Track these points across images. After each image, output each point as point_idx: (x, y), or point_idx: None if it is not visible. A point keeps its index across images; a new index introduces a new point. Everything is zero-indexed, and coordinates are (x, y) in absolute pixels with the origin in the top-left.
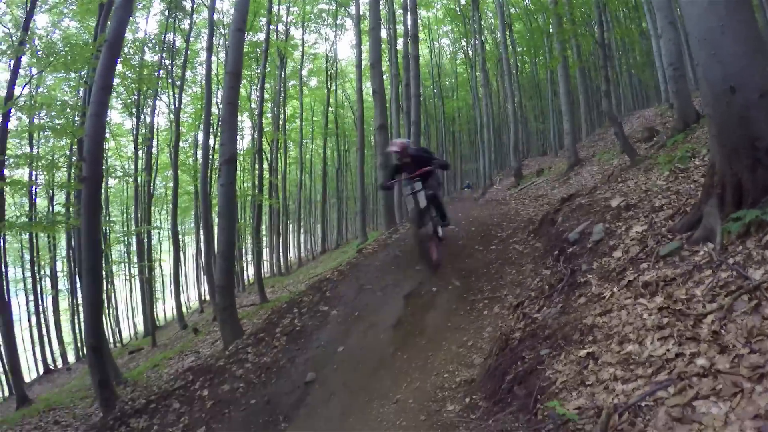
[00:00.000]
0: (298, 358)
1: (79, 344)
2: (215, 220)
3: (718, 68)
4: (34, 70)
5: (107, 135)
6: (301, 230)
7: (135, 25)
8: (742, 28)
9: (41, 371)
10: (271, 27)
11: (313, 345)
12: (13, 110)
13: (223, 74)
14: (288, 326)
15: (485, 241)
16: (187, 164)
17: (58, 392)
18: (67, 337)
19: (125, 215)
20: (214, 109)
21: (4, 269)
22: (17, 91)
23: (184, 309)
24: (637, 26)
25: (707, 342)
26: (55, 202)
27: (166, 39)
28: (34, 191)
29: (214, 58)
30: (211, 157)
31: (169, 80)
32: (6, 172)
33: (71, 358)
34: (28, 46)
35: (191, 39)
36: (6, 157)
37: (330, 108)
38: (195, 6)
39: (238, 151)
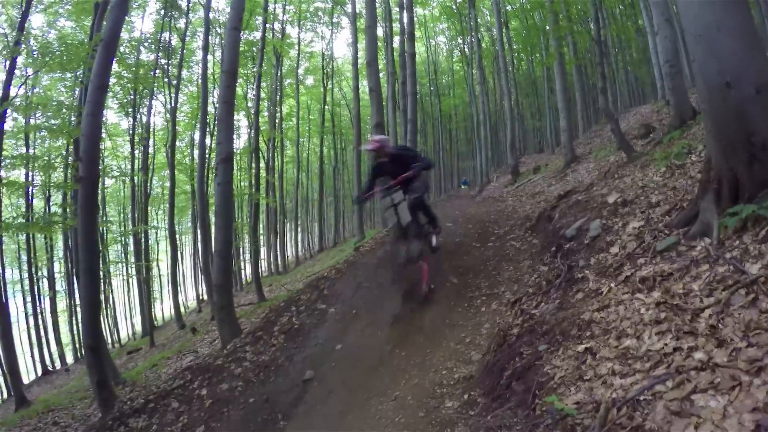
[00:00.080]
0: (297, 356)
1: (77, 345)
2: (212, 219)
3: (714, 64)
4: (30, 71)
5: (103, 135)
6: (299, 229)
7: (131, 24)
8: (738, 24)
9: (39, 372)
10: (267, 25)
11: (311, 343)
12: (9, 111)
13: (219, 73)
14: (286, 325)
15: (482, 238)
16: (184, 164)
17: (56, 393)
18: (65, 338)
19: (122, 215)
20: (210, 108)
21: (1, 271)
22: (13, 91)
23: (182, 309)
24: (633, 23)
25: (705, 336)
26: (51, 203)
27: (162, 38)
28: (30, 192)
29: (210, 57)
30: (207, 156)
31: (165, 79)
32: (2, 173)
33: (69, 359)
34: (23, 46)
35: (187, 38)
36: (2, 158)
37: (326, 106)
38: (191, 5)
39: (234, 150)
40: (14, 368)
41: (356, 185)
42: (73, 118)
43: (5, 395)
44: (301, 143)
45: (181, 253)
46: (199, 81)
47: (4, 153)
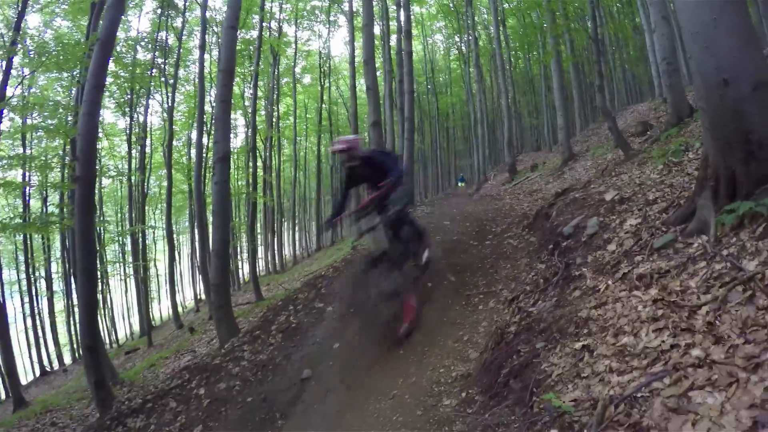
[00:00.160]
0: (294, 355)
1: (75, 346)
2: (210, 218)
3: (711, 62)
4: (27, 71)
5: (100, 134)
6: (296, 228)
7: (127, 23)
8: (735, 22)
9: (37, 373)
10: (264, 24)
11: (308, 342)
12: (5, 111)
13: (216, 72)
14: (284, 324)
15: (480, 237)
16: (181, 163)
17: (54, 394)
18: (63, 338)
19: (119, 215)
20: (207, 108)
21: None
22: (9, 91)
23: (179, 308)
24: (630, 21)
25: (702, 333)
26: (48, 203)
27: (159, 37)
28: (27, 192)
29: (207, 56)
30: (204, 155)
31: (162, 79)
32: None
33: (67, 359)
34: (20, 46)
35: (184, 37)
36: None
37: (324, 105)
38: (187, 4)
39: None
40: (12, 369)
41: None
42: (69, 118)
43: (3, 396)
44: (298, 142)
45: (179, 253)
46: (196, 80)
47: (0, 153)
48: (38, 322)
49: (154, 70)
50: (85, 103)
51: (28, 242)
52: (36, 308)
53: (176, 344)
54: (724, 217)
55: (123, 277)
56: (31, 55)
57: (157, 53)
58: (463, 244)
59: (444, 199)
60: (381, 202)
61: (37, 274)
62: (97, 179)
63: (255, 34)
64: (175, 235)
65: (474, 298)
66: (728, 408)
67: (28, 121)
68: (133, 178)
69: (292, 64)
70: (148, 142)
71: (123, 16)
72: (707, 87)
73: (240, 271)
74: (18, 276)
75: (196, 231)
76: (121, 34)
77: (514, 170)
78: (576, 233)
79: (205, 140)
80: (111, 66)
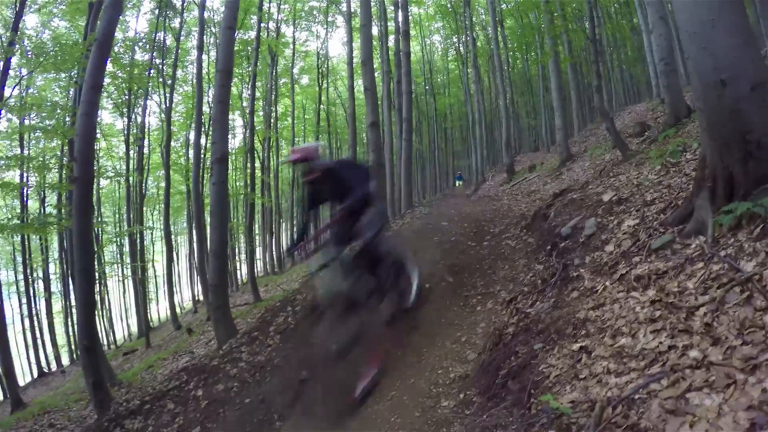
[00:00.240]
0: (292, 356)
1: (72, 347)
2: (208, 219)
3: (708, 61)
4: (24, 71)
5: (98, 135)
6: (295, 229)
7: (125, 24)
8: (733, 22)
9: (35, 374)
10: (262, 25)
11: (307, 343)
12: (3, 111)
13: (214, 73)
14: (282, 325)
15: (478, 237)
16: (179, 164)
17: (52, 395)
18: (61, 339)
19: (117, 216)
20: (205, 108)
21: None
22: (7, 92)
23: (177, 309)
24: (628, 22)
25: (700, 334)
26: (46, 204)
27: (157, 38)
28: (25, 193)
29: (204, 56)
30: (202, 156)
31: (160, 79)
32: None
33: (65, 360)
34: (17, 46)
35: (182, 37)
36: None
37: (321, 106)
38: (185, 4)
39: (230, 150)
40: (10, 370)
41: None
42: (67, 119)
43: (1, 397)
44: (296, 143)
45: (177, 254)
46: (194, 80)
47: None
48: (36, 323)
49: (152, 71)
50: (82, 104)
51: (26, 243)
52: (34, 309)
53: (174, 345)
54: (722, 217)
55: (121, 278)
56: (29, 56)
57: (155, 54)
58: (461, 244)
59: (442, 200)
60: (350, 220)
61: (35, 275)
62: (95, 180)
63: (253, 34)
64: (173, 236)
65: (472, 299)
66: (726, 410)
67: (26, 122)
68: (131, 178)
69: (290, 64)
70: (146, 142)
71: (121, 17)
72: (705, 87)
73: (238, 272)
74: (16, 277)
75: (194, 232)
76: (118, 35)
77: (512, 171)
78: (574, 234)
79: (203, 141)
80: (109, 66)
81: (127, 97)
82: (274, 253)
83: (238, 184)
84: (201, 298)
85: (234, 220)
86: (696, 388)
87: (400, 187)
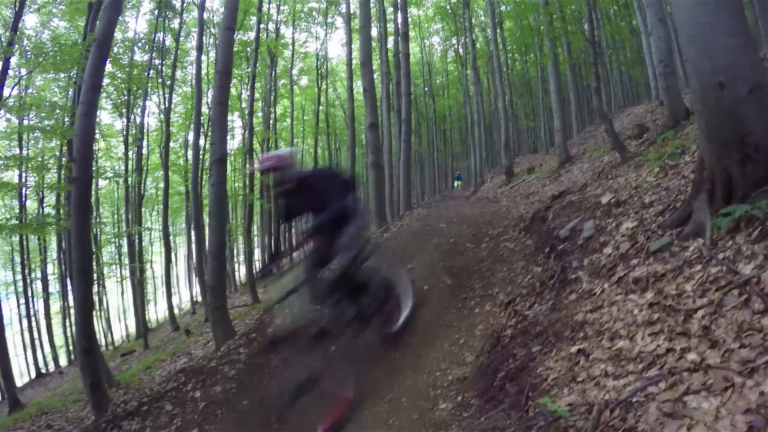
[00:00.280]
0: (290, 358)
1: (70, 347)
2: (206, 220)
3: (707, 64)
4: (24, 71)
5: (97, 135)
6: (293, 230)
7: (124, 24)
8: (732, 24)
9: (33, 375)
10: (262, 26)
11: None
12: (2, 111)
13: (214, 73)
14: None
15: (476, 239)
16: (178, 164)
17: (50, 396)
18: (59, 340)
19: (116, 216)
20: (204, 109)
21: None
22: (6, 92)
23: (175, 310)
24: (627, 23)
25: (698, 337)
26: (45, 204)
27: (156, 38)
28: (24, 193)
29: (204, 57)
30: (201, 157)
31: (159, 80)
32: None
33: (63, 361)
34: (17, 46)
35: (181, 38)
36: None
37: (321, 107)
38: (185, 5)
39: (228, 151)
40: (8, 371)
41: None
42: (66, 119)
43: None
44: (295, 144)
45: (175, 255)
46: (194, 81)
47: None
48: (34, 324)
49: (151, 71)
50: (81, 104)
51: (25, 243)
52: (32, 310)
53: (172, 346)
54: (720, 220)
55: (119, 279)
56: (28, 56)
57: (154, 54)
58: (460, 246)
59: (441, 202)
60: (318, 251)
61: (33, 275)
62: (93, 180)
63: (252, 35)
64: (171, 237)
65: (470, 301)
66: (723, 413)
67: (25, 122)
68: (129, 179)
69: (290, 65)
70: (145, 143)
71: (120, 17)
72: (703, 89)
73: (236, 273)
74: (14, 277)
75: (192, 233)
76: (118, 35)
77: (510, 173)
78: (572, 236)
79: (202, 142)
80: (108, 67)
81: (126, 97)
82: None
83: (236, 185)
84: (199, 299)
85: (233, 221)
86: (694, 391)
87: (398, 189)
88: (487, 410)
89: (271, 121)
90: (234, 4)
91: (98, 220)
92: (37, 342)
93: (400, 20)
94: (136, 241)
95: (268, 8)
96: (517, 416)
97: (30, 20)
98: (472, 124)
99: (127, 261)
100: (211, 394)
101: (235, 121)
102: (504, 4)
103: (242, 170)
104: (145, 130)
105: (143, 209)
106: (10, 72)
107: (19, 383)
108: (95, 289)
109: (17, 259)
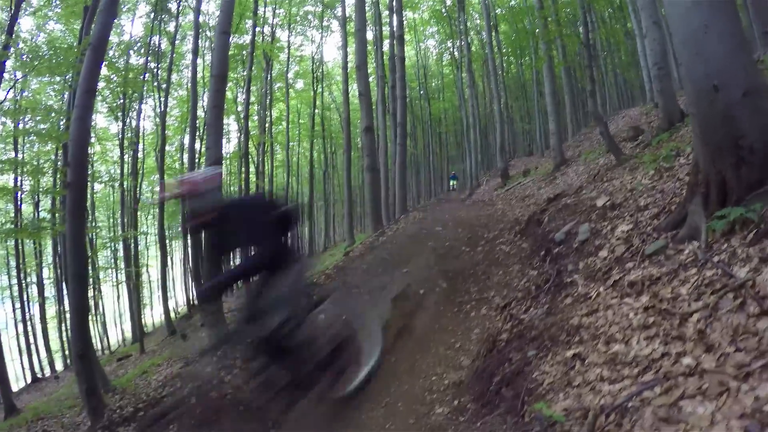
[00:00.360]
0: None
1: (66, 352)
2: None
3: (701, 67)
4: (19, 74)
5: (92, 139)
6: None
7: (120, 27)
8: (726, 28)
9: (29, 380)
10: (257, 29)
11: None
12: None
13: (209, 77)
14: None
15: (472, 242)
16: (174, 168)
17: (46, 401)
18: (55, 345)
19: (111, 220)
20: (200, 112)
21: None
22: (1, 95)
23: (172, 315)
24: (622, 26)
25: (693, 341)
26: (40, 208)
27: (152, 42)
28: (19, 197)
29: (199, 60)
30: (197, 160)
31: (155, 83)
32: None
33: (59, 366)
34: (12, 49)
35: (177, 42)
36: None
37: (316, 110)
38: (180, 8)
39: (224, 155)
40: (3, 375)
41: (346, 188)
42: (61, 123)
43: None
44: (291, 147)
45: (171, 259)
46: (189, 85)
47: None
48: (30, 328)
49: (146, 75)
50: (77, 108)
51: (20, 247)
52: (27, 314)
53: (168, 351)
54: (715, 223)
55: (115, 283)
56: (24, 59)
57: (149, 58)
58: (455, 250)
59: (436, 205)
60: (248, 300)
61: (28, 279)
62: (89, 184)
63: (248, 39)
64: (167, 241)
65: (466, 305)
66: (719, 417)
67: (20, 125)
68: (125, 183)
69: (285, 69)
70: (140, 147)
71: (116, 20)
72: (697, 92)
73: None
74: (9, 281)
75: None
76: (113, 38)
77: (506, 175)
78: (567, 239)
79: (197, 145)
80: (103, 70)
81: (121, 100)
82: None
83: (232, 188)
84: (195, 303)
85: None
86: (689, 396)
87: (394, 192)
88: (483, 415)
89: (266, 125)
90: (229, 8)
91: (94, 224)
92: (32, 346)
93: (395, 23)
94: (132, 245)
95: (264, 12)
96: (513, 421)
97: (26, 23)
98: (468, 127)
99: (122, 265)
100: (208, 399)
101: (230, 124)
102: (499, 7)
103: (238, 174)
104: (140, 134)
105: (139, 213)
106: (6, 75)
107: (15, 388)
108: (91, 293)
109: (13, 263)
